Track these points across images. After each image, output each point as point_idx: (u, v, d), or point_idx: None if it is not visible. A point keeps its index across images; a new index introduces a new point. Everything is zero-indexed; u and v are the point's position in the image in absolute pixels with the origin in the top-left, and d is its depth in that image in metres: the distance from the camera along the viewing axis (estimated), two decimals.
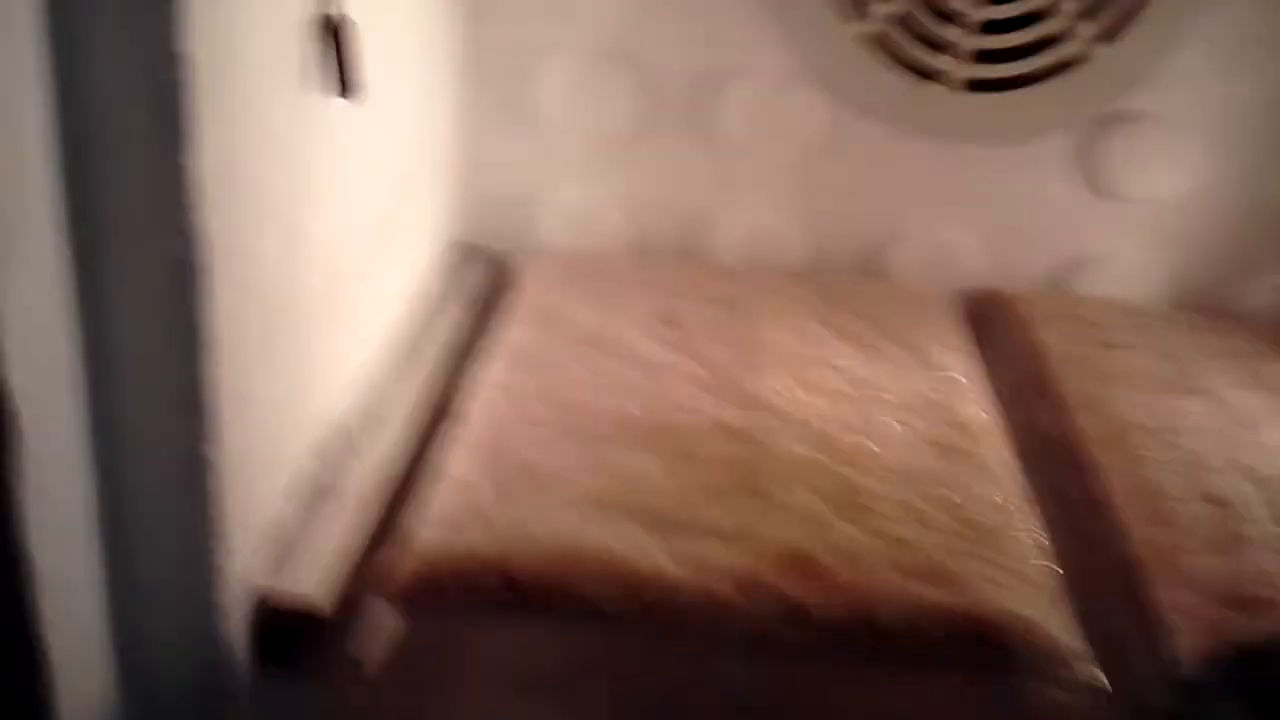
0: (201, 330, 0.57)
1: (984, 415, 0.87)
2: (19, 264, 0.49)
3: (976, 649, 0.64)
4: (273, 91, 0.63)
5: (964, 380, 0.92)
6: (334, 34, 0.68)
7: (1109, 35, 1.02)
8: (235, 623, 0.64)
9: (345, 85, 0.70)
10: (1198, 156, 1.07)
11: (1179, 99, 1.05)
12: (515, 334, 0.94)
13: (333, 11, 0.68)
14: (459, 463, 0.77)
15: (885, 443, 0.81)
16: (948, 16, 1.03)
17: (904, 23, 1.04)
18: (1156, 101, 1.06)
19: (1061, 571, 0.72)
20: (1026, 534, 0.74)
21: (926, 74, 1.05)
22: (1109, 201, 1.10)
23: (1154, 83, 1.04)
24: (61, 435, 0.55)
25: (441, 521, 0.70)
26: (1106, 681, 0.65)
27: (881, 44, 1.04)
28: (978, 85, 1.05)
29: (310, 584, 0.67)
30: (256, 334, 0.64)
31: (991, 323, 1.06)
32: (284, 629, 0.66)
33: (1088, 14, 1.01)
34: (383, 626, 0.66)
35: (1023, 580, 0.69)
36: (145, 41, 0.51)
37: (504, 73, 1.09)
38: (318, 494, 0.74)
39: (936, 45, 1.04)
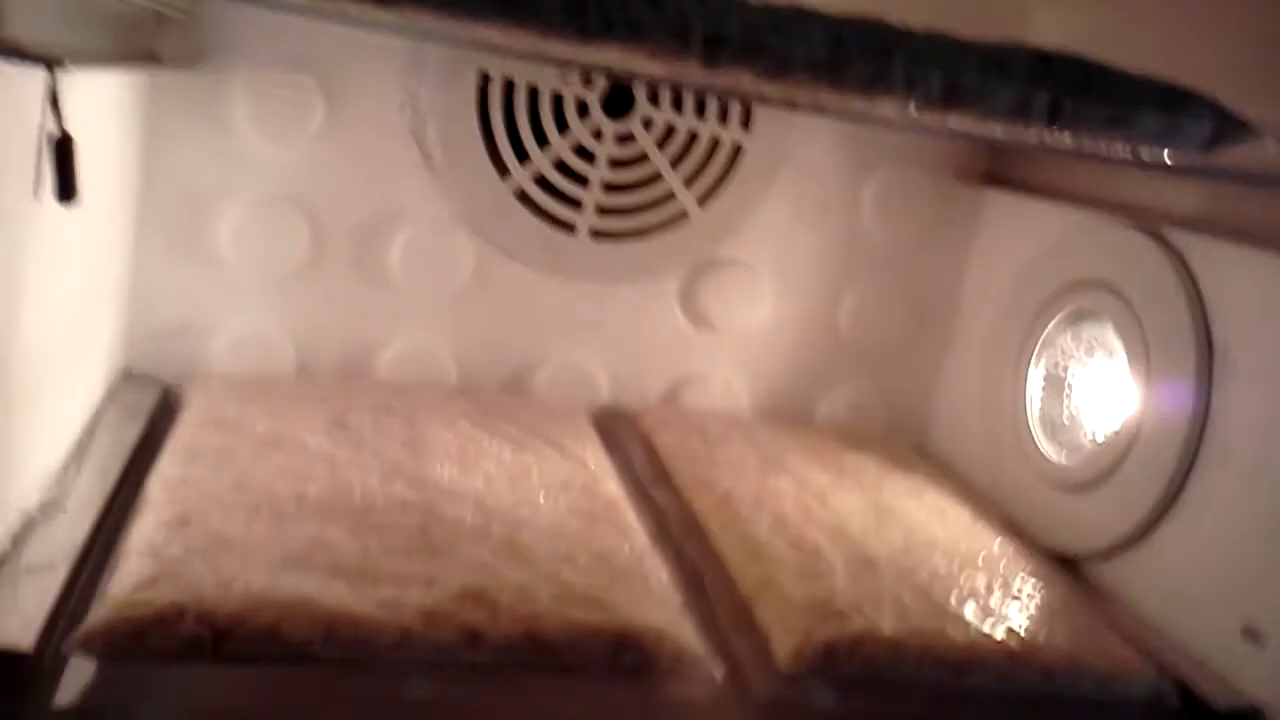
0: None
1: (616, 493, 1.04)
2: None
3: (622, 656, 0.78)
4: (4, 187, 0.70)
5: (597, 469, 1.08)
6: (62, 148, 0.76)
7: (704, 199, 1.28)
8: None
9: (66, 192, 0.78)
10: (773, 294, 1.33)
11: (758, 248, 1.32)
12: (190, 437, 1.00)
13: (66, 129, 0.76)
14: (148, 533, 0.82)
15: (537, 511, 0.96)
16: (579, 179, 1.24)
17: (541, 182, 1.24)
18: (741, 250, 1.32)
19: (685, 598, 0.88)
20: (655, 572, 0.90)
21: (562, 224, 1.26)
22: (705, 331, 1.33)
23: (739, 235, 1.31)
24: None
25: (134, 579, 0.75)
26: (724, 677, 0.80)
27: (524, 199, 1.24)
28: (602, 235, 1.27)
29: (6, 632, 0.70)
30: None
31: (618, 431, 1.25)
32: None
33: (688, 182, 1.27)
34: (78, 673, 0.70)
35: (655, 603, 0.84)
36: None
37: (179, 210, 1.17)
38: (10, 567, 0.78)
39: (570, 201, 1.25)
